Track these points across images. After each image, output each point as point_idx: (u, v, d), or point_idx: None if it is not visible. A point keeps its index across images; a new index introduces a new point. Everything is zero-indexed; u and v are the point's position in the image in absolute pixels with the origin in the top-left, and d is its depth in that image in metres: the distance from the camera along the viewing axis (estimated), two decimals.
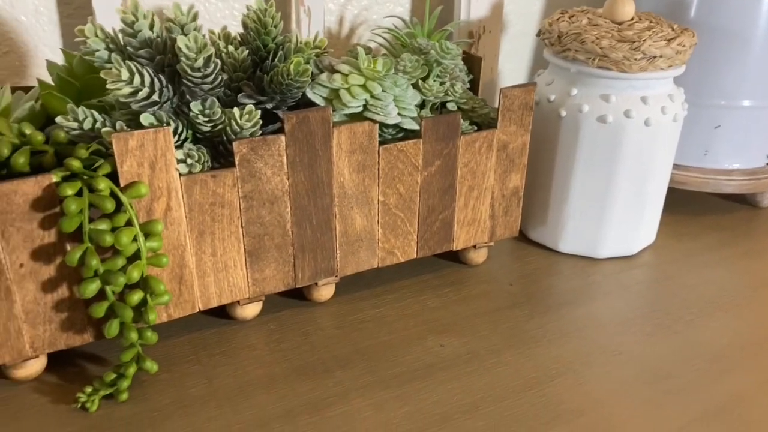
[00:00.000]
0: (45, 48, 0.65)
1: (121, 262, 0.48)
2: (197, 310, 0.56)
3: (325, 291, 0.63)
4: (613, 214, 0.70)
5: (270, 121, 0.56)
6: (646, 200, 0.70)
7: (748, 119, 0.79)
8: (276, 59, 0.56)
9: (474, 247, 0.69)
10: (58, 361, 0.55)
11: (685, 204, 0.85)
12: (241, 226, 0.55)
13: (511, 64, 0.90)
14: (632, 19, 0.68)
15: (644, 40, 0.63)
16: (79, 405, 0.51)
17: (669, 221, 0.80)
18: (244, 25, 0.57)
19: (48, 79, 0.57)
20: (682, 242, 0.77)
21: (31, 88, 0.59)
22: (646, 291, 0.68)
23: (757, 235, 0.80)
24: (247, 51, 0.55)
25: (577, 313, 0.64)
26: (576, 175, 0.69)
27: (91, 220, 0.47)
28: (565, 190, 0.70)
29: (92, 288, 0.47)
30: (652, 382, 0.55)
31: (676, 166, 0.80)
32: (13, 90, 0.57)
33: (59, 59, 0.66)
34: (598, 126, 0.66)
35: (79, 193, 0.46)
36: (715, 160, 0.81)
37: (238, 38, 0.58)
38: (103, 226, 0.47)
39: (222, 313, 0.61)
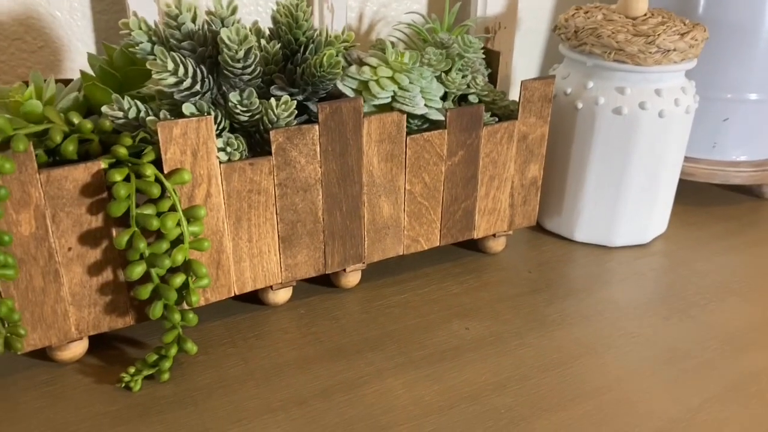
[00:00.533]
0: (78, 43, 0.67)
1: (165, 245, 0.50)
2: (233, 294, 0.58)
3: (352, 277, 0.66)
4: (627, 203, 0.72)
5: (298, 113, 0.58)
6: (658, 190, 0.73)
7: (755, 112, 0.81)
8: (307, 52, 0.58)
9: (493, 235, 0.71)
10: (97, 344, 0.57)
11: (694, 195, 0.87)
12: (276, 213, 0.57)
13: (523, 59, 0.93)
14: (645, 15, 0.71)
15: (659, 35, 0.66)
16: (123, 384, 0.53)
17: (678, 211, 0.82)
18: (274, 20, 0.59)
19: (83, 72, 0.59)
20: (692, 231, 0.80)
21: (66, 80, 0.61)
22: (660, 277, 0.70)
23: (762, 225, 0.82)
24: (279, 44, 0.57)
25: (594, 298, 0.66)
26: (591, 165, 0.71)
27: (135, 206, 0.49)
28: (580, 181, 0.72)
29: (138, 270, 0.49)
30: (671, 362, 0.58)
31: (685, 158, 0.82)
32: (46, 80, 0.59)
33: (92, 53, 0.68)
34: (614, 117, 0.68)
35: (127, 179, 0.48)
36: (723, 152, 0.83)
37: (268, 32, 0.60)
38: (149, 210, 0.49)
39: (253, 298, 0.63)
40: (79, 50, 0.67)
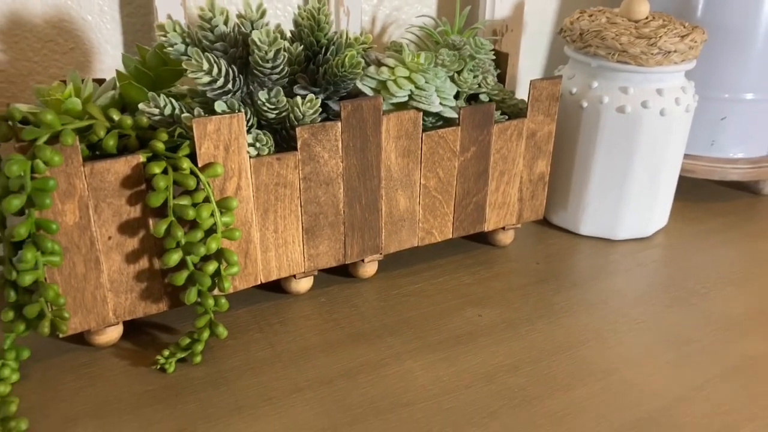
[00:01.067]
0: (107, 45, 0.70)
1: (200, 234, 0.53)
2: (259, 282, 0.61)
3: (370, 268, 0.69)
4: (630, 198, 0.76)
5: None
6: (659, 186, 0.76)
7: (751, 111, 0.84)
8: (328, 53, 0.61)
9: (503, 228, 0.74)
10: (131, 329, 0.60)
11: (693, 191, 0.91)
12: (300, 206, 0.60)
13: (528, 60, 0.96)
14: (647, 18, 0.74)
15: (660, 37, 0.69)
16: (158, 366, 0.56)
17: (678, 206, 0.86)
18: (296, 23, 0.62)
19: (118, 72, 0.62)
20: (692, 225, 0.83)
21: (99, 80, 0.64)
22: (661, 268, 0.74)
23: (759, 220, 0.86)
24: (302, 46, 0.61)
25: (600, 287, 0.70)
26: (596, 162, 0.75)
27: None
28: (585, 177, 0.76)
29: (175, 258, 0.52)
30: (673, 346, 0.61)
31: (685, 156, 0.86)
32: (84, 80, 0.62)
33: (119, 54, 0.71)
34: (617, 116, 0.72)
35: (165, 172, 0.52)
36: (721, 150, 0.87)
37: (290, 35, 0.64)
38: (185, 201, 0.52)
39: (276, 287, 0.66)
40: (107, 52, 0.71)
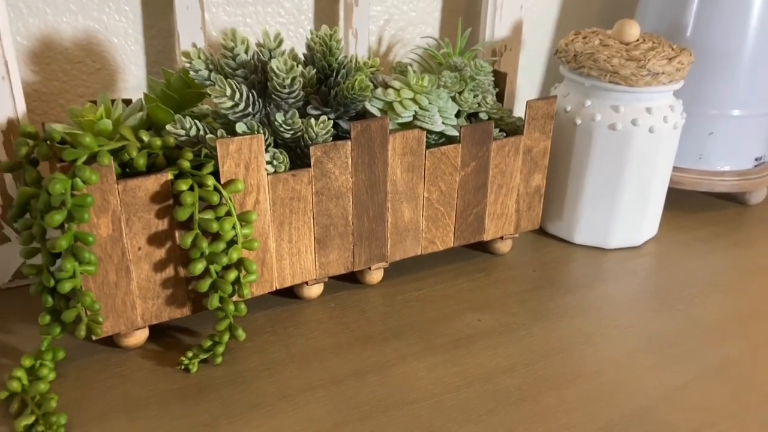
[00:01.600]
0: (131, 65, 0.75)
1: (222, 245, 0.58)
2: (275, 289, 0.66)
3: (376, 275, 0.74)
4: (621, 209, 0.81)
5: None
6: (649, 198, 0.81)
7: (737, 127, 0.89)
8: (339, 77, 0.66)
9: (501, 238, 0.79)
10: (156, 332, 0.65)
11: (682, 201, 0.95)
12: (313, 218, 0.65)
13: (525, 77, 1.01)
14: (638, 40, 0.79)
15: (649, 59, 0.74)
16: (182, 367, 0.60)
17: (668, 216, 0.90)
18: (309, 47, 0.67)
19: (146, 95, 0.67)
20: (681, 234, 0.88)
21: (126, 100, 0.69)
22: (651, 276, 0.79)
23: (745, 229, 0.90)
24: (315, 70, 0.65)
25: (592, 294, 0.74)
26: (589, 175, 0.79)
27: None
28: (579, 189, 0.81)
29: (200, 267, 0.57)
30: (660, 349, 0.66)
31: (674, 168, 0.90)
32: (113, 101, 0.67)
33: (142, 74, 0.76)
34: (609, 133, 0.77)
35: (191, 188, 0.56)
36: (708, 163, 0.91)
37: (303, 58, 0.68)
38: (209, 215, 0.57)
39: (289, 293, 0.71)
40: (131, 72, 0.75)
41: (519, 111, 0.97)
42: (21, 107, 0.65)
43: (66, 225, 0.53)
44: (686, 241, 0.86)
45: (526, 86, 1.01)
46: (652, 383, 0.61)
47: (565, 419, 0.56)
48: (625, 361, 0.64)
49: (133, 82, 0.76)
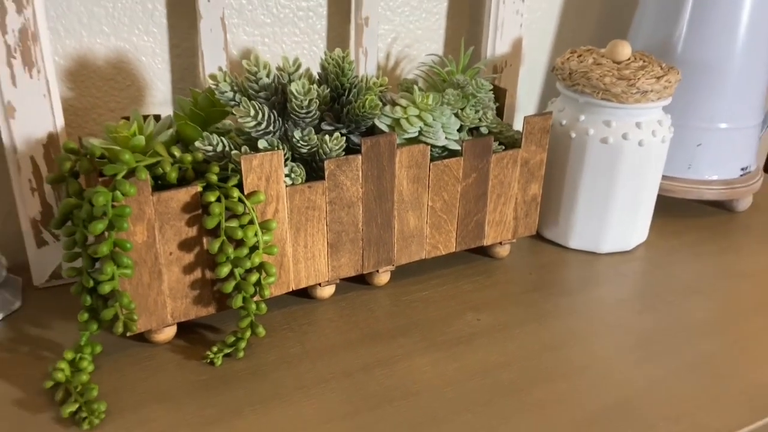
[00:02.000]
0: (158, 82, 0.81)
1: (246, 250, 0.64)
2: (291, 290, 0.72)
3: (384, 277, 0.80)
4: (613, 216, 0.86)
5: None
6: (640, 206, 0.87)
7: (724, 139, 0.95)
8: (350, 95, 0.72)
9: (500, 243, 0.85)
10: (183, 329, 0.71)
11: (672, 209, 1.01)
12: (326, 225, 0.71)
13: (524, 91, 1.07)
14: (629, 59, 0.85)
15: (638, 78, 0.80)
16: (208, 360, 0.67)
17: (658, 223, 0.96)
18: (323, 67, 0.73)
19: (175, 113, 0.73)
20: (670, 240, 0.94)
21: (156, 116, 0.75)
22: (639, 279, 0.84)
23: (731, 235, 0.96)
24: (329, 89, 0.71)
25: (585, 295, 0.80)
26: (583, 185, 0.85)
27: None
28: (573, 197, 0.86)
29: (225, 270, 0.63)
30: (643, 346, 0.71)
31: (665, 177, 0.96)
32: (144, 118, 0.73)
33: (168, 90, 0.82)
34: (601, 146, 0.82)
35: (218, 199, 0.62)
36: (697, 172, 0.97)
37: (317, 77, 0.74)
38: (234, 224, 0.63)
39: (304, 293, 0.77)
40: (158, 88, 0.82)
41: (519, 122, 1.03)
42: (60, 122, 0.71)
43: (107, 233, 0.59)
44: (674, 246, 0.92)
45: (523, 100, 1.07)
46: (634, 377, 0.67)
47: (554, 409, 0.62)
48: (609, 356, 0.70)
49: (160, 97, 0.82)
